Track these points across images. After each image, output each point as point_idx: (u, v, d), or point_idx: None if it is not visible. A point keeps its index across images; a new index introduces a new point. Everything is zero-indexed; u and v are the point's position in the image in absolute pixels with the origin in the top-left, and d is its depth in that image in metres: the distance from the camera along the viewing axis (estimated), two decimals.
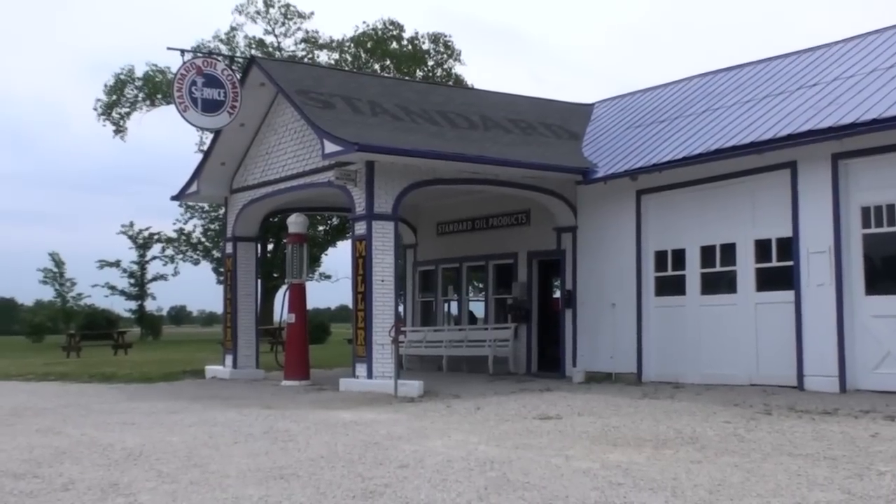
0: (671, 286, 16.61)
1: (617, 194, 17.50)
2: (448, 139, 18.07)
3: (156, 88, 40.41)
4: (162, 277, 60.83)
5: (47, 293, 67.66)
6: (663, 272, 16.83)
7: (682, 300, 16.32)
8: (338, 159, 16.74)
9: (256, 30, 41.91)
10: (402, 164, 16.74)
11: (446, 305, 23.00)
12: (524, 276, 20.45)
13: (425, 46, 44.23)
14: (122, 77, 40.84)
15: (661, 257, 16.89)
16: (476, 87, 37.04)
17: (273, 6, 42.18)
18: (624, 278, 17.30)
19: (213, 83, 18.08)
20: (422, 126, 18.38)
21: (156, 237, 57.78)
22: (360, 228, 16.79)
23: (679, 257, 16.49)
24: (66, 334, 39.55)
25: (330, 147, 16.44)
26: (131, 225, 59.99)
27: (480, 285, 22.35)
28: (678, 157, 16.01)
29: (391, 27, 43.07)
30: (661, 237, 16.82)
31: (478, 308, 22.57)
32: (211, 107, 18.08)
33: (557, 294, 20.44)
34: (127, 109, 40.90)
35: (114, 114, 41.10)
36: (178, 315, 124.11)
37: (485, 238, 21.45)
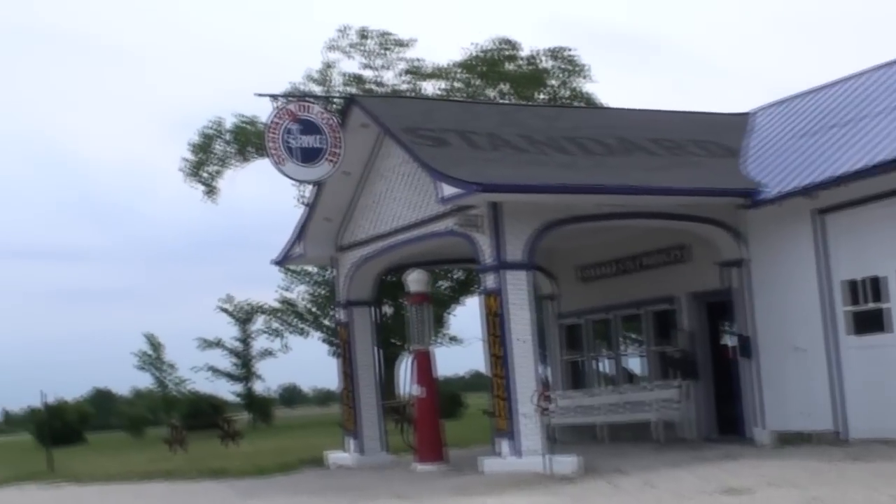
0: (870, 322, 16.02)
1: (792, 216, 17.08)
2: (582, 169, 18.05)
3: (246, 141, 41.55)
4: (269, 354, 62.12)
5: (145, 380, 69.58)
6: (857, 306, 16.23)
7: (887, 339, 15.74)
8: (457, 203, 16.90)
9: (352, 65, 42.64)
10: (533, 202, 16.80)
11: (598, 364, 22.81)
12: (687, 322, 20.15)
13: (545, 64, 44.15)
14: (208, 132, 42.13)
15: (852, 288, 16.32)
16: (609, 105, 36.89)
17: (369, 37, 43.01)
18: (809, 316, 16.78)
19: (310, 129, 18.57)
20: (551, 156, 18.43)
21: (258, 309, 59.21)
22: (489, 281, 16.87)
23: (877, 287, 15.89)
24: (168, 426, 40.75)
25: (447, 190, 16.64)
26: (230, 299, 61.45)
27: (636, 337, 22.11)
28: (866, 165, 15.54)
29: (504, 46, 43.23)
30: (852, 264, 16.27)
31: (635, 364, 22.28)
32: (310, 156, 18.58)
33: (729, 341, 19.99)
34: (217, 167, 42.16)
35: (202, 173, 42.40)
36: (290, 395, 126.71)
37: (636, 281, 21.25)
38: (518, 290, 16.57)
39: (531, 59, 43.55)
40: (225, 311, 60.90)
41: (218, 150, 42.09)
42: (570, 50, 43.95)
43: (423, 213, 18.38)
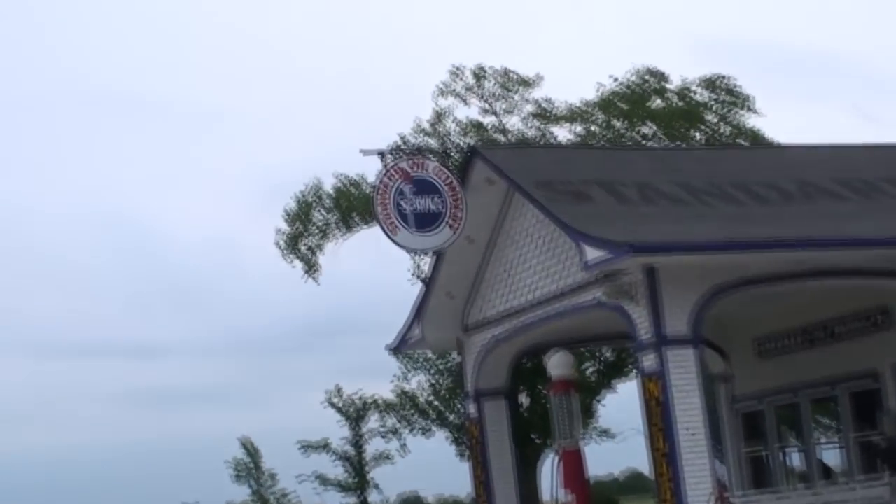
0: None
1: None
2: (755, 221, 17.99)
3: (350, 206, 41.93)
4: (386, 459, 62.08)
5: (241, 493, 69.96)
6: None
7: None
8: (605, 269, 16.97)
9: (470, 112, 42.75)
10: (696, 264, 16.77)
11: (785, 457, 22.54)
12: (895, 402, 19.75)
13: (700, 97, 43.64)
14: (306, 198, 42.68)
15: None
16: (781, 142, 36.29)
17: (487, 77, 43.28)
18: None
19: (426, 189, 18.94)
20: (715, 208, 18.44)
21: (371, 404, 59.36)
22: (648, 361, 16.87)
23: None
24: None
25: (592, 253, 16.78)
26: (338, 391, 61.70)
27: (831, 423, 21.94)
28: None
29: (649, 78, 42.92)
30: None
31: (832, 457, 22.03)
32: (426, 221, 18.93)
33: None
34: (317, 239, 42.70)
35: (301, 247, 42.95)
36: None
37: (829, 354, 20.95)
38: (683, 370, 16.54)
39: (683, 92, 43.04)
40: (333, 406, 61.10)
41: (318, 219, 42.57)
42: (728, 78, 43.32)
43: (564, 282, 18.50)
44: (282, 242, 42.87)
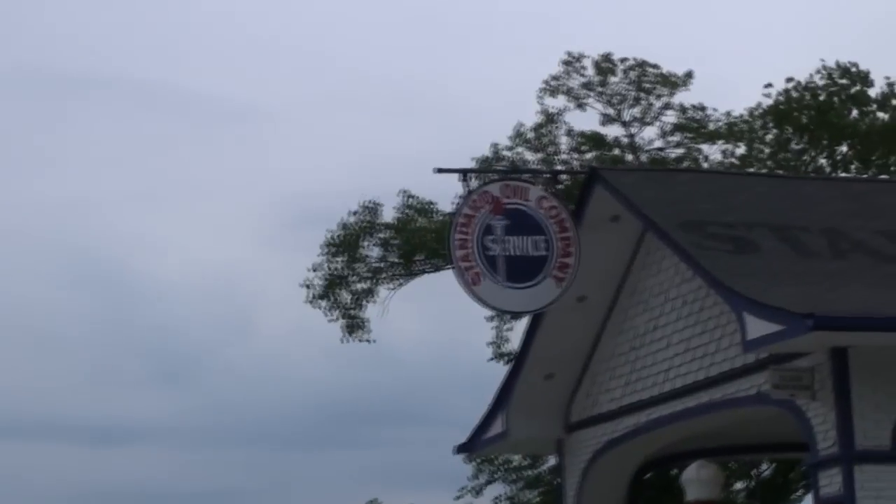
0: None
1: None
2: None
3: (412, 242, 41.49)
4: None
5: None
6: None
7: None
8: (774, 349, 16.79)
9: (588, 119, 42.33)
10: None
11: None
12: None
13: None
14: (353, 224, 42.22)
15: None
16: None
17: (614, 71, 43.01)
18: None
19: (525, 225, 19.03)
20: None
21: None
22: (828, 484, 16.69)
23: None
24: None
25: (757, 327, 16.56)
26: None
27: None
28: None
29: (844, 81, 42.23)
30: None
31: None
32: (523, 270, 18.95)
33: None
34: (368, 284, 42.22)
35: (342, 293, 42.49)
36: None
37: None
38: (880, 497, 16.31)
39: (888, 99, 42.15)
40: None
41: (369, 257, 42.13)
42: None
43: (714, 366, 18.45)
44: (316, 286, 42.52)
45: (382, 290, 42.36)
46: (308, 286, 42.01)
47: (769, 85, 41.44)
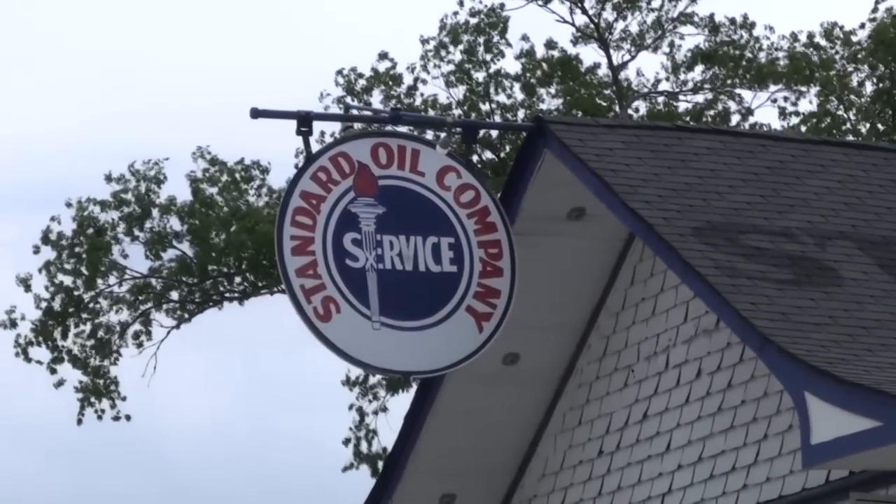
0: None
1: None
2: None
3: (206, 244, 35.27)
4: None
5: None
6: None
7: None
8: (857, 465, 13.11)
9: (545, 26, 36.94)
10: None
11: None
12: None
13: None
14: (90, 215, 35.95)
15: None
16: None
17: None
18: None
19: (417, 217, 14.55)
20: None
21: None
22: None
23: None
24: None
25: (829, 421, 12.73)
26: None
27: None
28: None
29: None
30: None
31: None
32: (414, 299, 14.52)
33: None
34: (121, 314, 36.17)
35: (73, 337, 36.41)
36: None
37: None
38: None
39: None
40: None
41: (126, 269, 36.20)
42: None
43: (750, 489, 14.20)
44: (23, 341, 36.69)
45: (154, 329, 36.82)
46: (13, 321, 36.27)
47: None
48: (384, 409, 31.47)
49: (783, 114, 36.36)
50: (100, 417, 34.57)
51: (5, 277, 34.24)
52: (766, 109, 36.61)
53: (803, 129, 35.07)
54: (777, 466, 13.71)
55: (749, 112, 35.76)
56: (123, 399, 34.78)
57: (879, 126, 35.54)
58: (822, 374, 12.31)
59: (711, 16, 35.48)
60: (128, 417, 35.56)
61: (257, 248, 29.27)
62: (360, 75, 34.40)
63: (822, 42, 37.04)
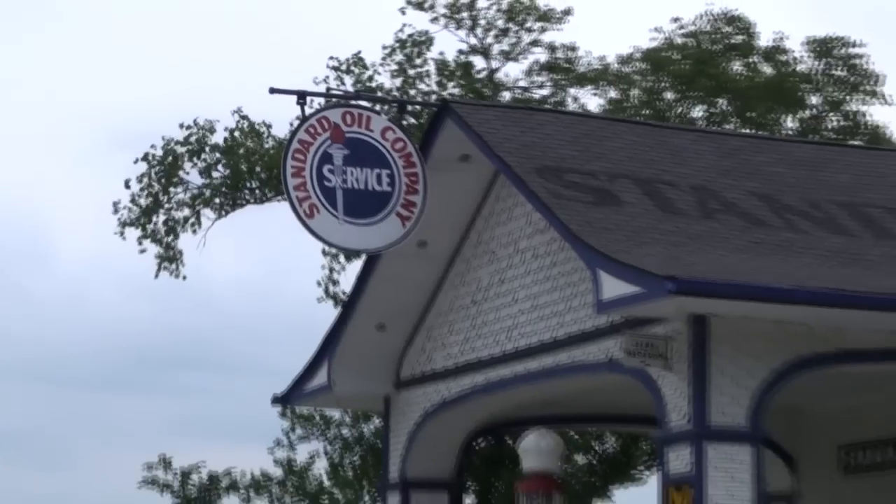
0: None
1: None
2: (869, 264, 18.07)
3: (239, 169, 41.27)
4: None
5: None
6: None
7: None
8: (630, 313, 17.04)
9: (449, 43, 42.51)
10: (771, 319, 16.85)
11: None
12: None
13: (804, 66, 43.55)
14: (172, 148, 41.79)
15: None
16: None
17: None
18: None
19: (368, 157, 19.17)
20: (810, 236, 18.57)
21: (229, 485, 58.85)
22: (677, 461, 17.00)
23: None
24: None
25: (613, 287, 16.80)
26: (166, 463, 60.61)
27: None
28: None
29: (727, 28, 42.93)
30: None
31: None
32: (364, 206, 19.15)
33: None
34: (185, 213, 41.92)
35: (155, 223, 42.12)
36: None
37: None
38: (732, 480, 16.66)
39: (773, 55, 42.88)
40: (151, 482, 60.00)
41: (190, 183, 41.86)
42: (851, 45, 43.03)
43: (564, 325, 18.65)
44: (125, 212, 42.01)
45: (203, 220, 42.32)
46: (117, 210, 41.70)
47: (676, 19, 42.39)
48: (344, 269, 38.81)
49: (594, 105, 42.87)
50: (170, 273, 42.16)
51: (118, 182, 42.45)
52: (589, 99, 42.56)
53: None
54: (580, 313, 18.24)
55: (576, 100, 42.46)
56: (184, 265, 42.39)
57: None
58: (607, 257, 16.72)
59: (552, 42, 42.62)
60: (184, 277, 42.77)
61: (269, 171, 36.39)
62: (338, 67, 41.64)
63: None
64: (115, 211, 41.49)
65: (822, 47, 42.61)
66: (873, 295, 16.97)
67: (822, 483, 23.01)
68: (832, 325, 17.09)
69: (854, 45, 42.35)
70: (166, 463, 60.78)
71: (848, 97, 42.69)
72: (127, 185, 40.66)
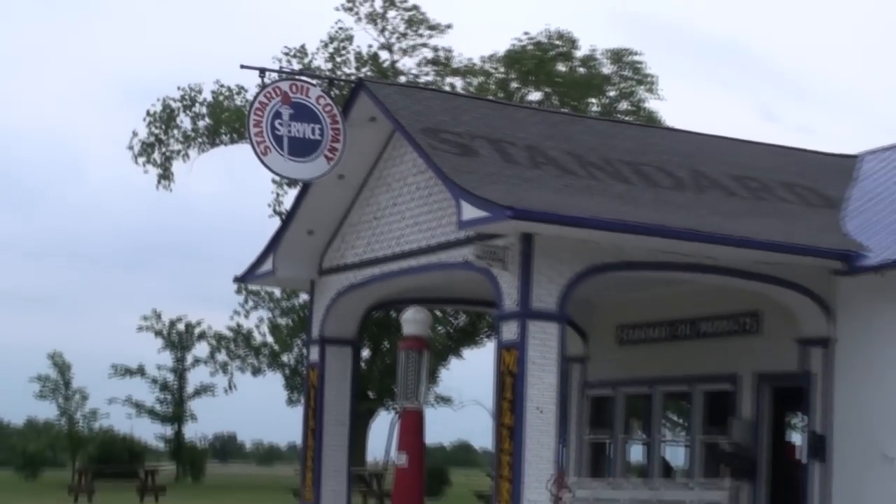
0: None
1: None
2: (642, 204, 18.20)
3: (218, 120, 41.82)
4: (207, 391, 61.77)
5: (46, 411, 68.11)
6: None
7: None
8: (480, 230, 17.01)
9: (368, 41, 43.31)
10: (575, 238, 16.96)
11: (628, 449, 22.82)
12: (749, 409, 20.17)
13: (606, 70, 45.00)
14: (177, 102, 42.29)
15: None
16: (678, 128, 37.01)
17: (396, 6, 43.69)
18: None
19: (305, 115, 18.86)
20: (603, 183, 18.62)
21: (199, 334, 59.05)
22: (508, 332, 17.04)
23: None
24: (77, 471, 40.50)
25: (470, 212, 16.79)
26: (157, 316, 60.97)
27: (681, 421, 22.31)
28: None
29: (558, 41, 43.98)
30: None
31: (675, 455, 22.45)
32: (301, 149, 18.88)
33: (798, 438, 20.48)
34: (178, 147, 42.41)
35: (157, 154, 42.46)
36: (225, 447, 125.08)
37: (690, 351, 21.29)
38: (544, 346, 16.73)
39: (588, 61, 44.25)
40: (149, 329, 59.97)
41: (183, 129, 42.35)
42: (635, 54, 44.75)
43: (435, 237, 18.57)
44: (136, 146, 42.28)
45: (191, 154, 42.88)
46: (132, 147, 42.10)
47: (526, 33, 43.26)
48: (286, 193, 39.31)
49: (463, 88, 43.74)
50: (165, 187, 42.39)
51: (133, 124, 43.19)
52: (459, 84, 43.90)
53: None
54: (447, 229, 18.13)
55: (451, 86, 43.07)
56: (174, 182, 42.63)
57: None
58: (466, 191, 16.77)
59: (436, 45, 43.06)
60: (171, 189, 42.98)
61: (240, 122, 36.86)
62: (289, 53, 42.08)
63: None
64: (130, 146, 42.11)
65: (616, 56, 44.41)
66: (642, 224, 17.14)
67: (604, 350, 23.18)
68: (615, 243, 17.24)
69: (637, 54, 44.53)
70: (157, 315, 61.29)
71: (633, 91, 44.42)
72: (135, 134, 41.63)
